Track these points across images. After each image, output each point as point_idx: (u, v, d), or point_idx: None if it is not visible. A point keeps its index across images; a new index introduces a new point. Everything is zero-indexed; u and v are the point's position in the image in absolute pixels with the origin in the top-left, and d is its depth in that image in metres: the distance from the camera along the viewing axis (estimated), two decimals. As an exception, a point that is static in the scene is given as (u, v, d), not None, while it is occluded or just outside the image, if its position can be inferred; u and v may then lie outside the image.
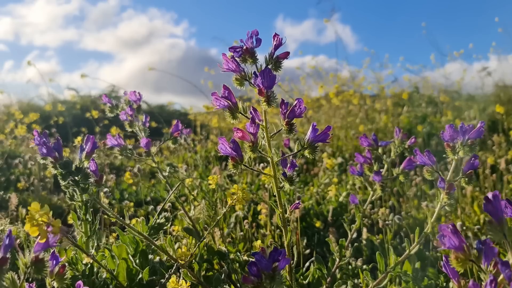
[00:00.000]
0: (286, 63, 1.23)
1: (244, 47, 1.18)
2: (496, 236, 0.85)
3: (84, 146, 1.50)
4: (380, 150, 1.91)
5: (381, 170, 1.86)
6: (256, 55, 1.19)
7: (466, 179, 1.40)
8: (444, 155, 1.41)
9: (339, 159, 3.91)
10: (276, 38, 1.18)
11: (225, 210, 1.69)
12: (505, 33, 8.69)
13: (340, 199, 3.06)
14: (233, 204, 1.60)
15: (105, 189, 2.31)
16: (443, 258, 0.95)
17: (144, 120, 2.05)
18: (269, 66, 1.20)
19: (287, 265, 1.44)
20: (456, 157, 1.37)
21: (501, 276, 0.78)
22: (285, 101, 1.23)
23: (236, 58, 1.20)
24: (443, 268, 0.96)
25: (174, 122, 2.11)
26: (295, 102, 1.23)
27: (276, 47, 1.19)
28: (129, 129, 2.05)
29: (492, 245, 0.84)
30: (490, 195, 0.86)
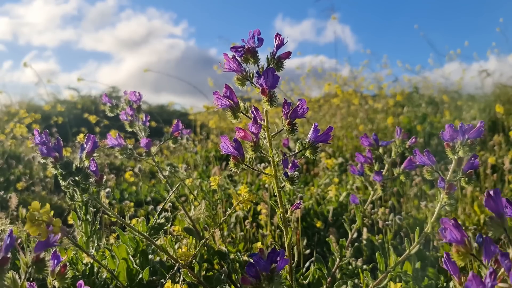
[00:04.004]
0: (286, 63, 1.23)
1: (246, 47, 1.18)
2: (497, 231, 0.87)
3: (85, 146, 1.50)
4: (380, 150, 1.91)
5: (381, 170, 1.87)
6: (258, 55, 1.19)
7: (466, 178, 1.40)
8: (444, 155, 1.41)
9: (340, 159, 3.91)
10: (278, 38, 1.18)
11: (230, 212, 1.69)
12: (504, 33, 8.70)
13: (341, 199, 3.06)
14: (239, 206, 1.60)
15: (107, 190, 2.31)
16: (444, 254, 0.97)
17: (144, 120, 2.05)
18: (271, 66, 1.20)
19: (287, 265, 1.45)
20: (455, 157, 1.37)
21: (501, 270, 0.79)
22: (287, 101, 1.23)
23: (238, 58, 1.20)
24: (444, 265, 0.97)
25: (174, 122, 2.11)
26: (298, 103, 1.23)
27: (278, 47, 1.19)
28: (129, 129, 2.05)
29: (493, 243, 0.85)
30: (491, 191, 0.88)
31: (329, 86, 7.49)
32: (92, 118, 5.56)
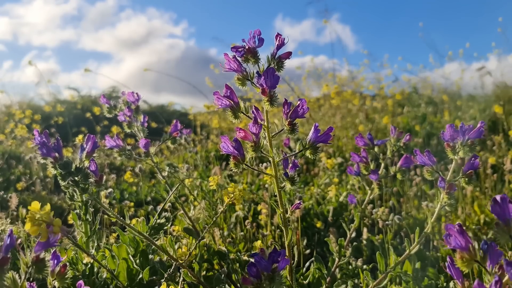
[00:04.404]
0: (286, 63, 1.23)
1: (247, 47, 1.18)
2: (503, 238, 0.85)
3: (85, 146, 1.50)
4: (377, 149, 1.91)
5: (377, 169, 1.86)
6: (258, 55, 1.19)
7: (466, 179, 1.40)
8: (444, 155, 1.41)
9: (339, 159, 3.91)
10: (278, 38, 1.18)
11: (222, 209, 1.69)
12: (504, 33, 8.70)
13: (340, 199, 3.06)
14: (230, 202, 1.60)
15: (110, 190, 2.31)
16: (448, 259, 0.96)
17: (142, 121, 2.05)
18: (272, 66, 1.20)
19: (287, 265, 1.44)
20: (456, 157, 1.37)
21: (506, 277, 0.78)
22: (287, 101, 1.23)
23: (238, 58, 1.20)
24: (447, 269, 0.96)
25: (173, 122, 2.11)
26: (298, 103, 1.23)
27: (279, 47, 1.19)
28: (128, 130, 2.05)
29: (497, 248, 0.85)
30: (498, 197, 0.87)
31: (327, 87, 7.49)
32: (96, 109, 5.62)
